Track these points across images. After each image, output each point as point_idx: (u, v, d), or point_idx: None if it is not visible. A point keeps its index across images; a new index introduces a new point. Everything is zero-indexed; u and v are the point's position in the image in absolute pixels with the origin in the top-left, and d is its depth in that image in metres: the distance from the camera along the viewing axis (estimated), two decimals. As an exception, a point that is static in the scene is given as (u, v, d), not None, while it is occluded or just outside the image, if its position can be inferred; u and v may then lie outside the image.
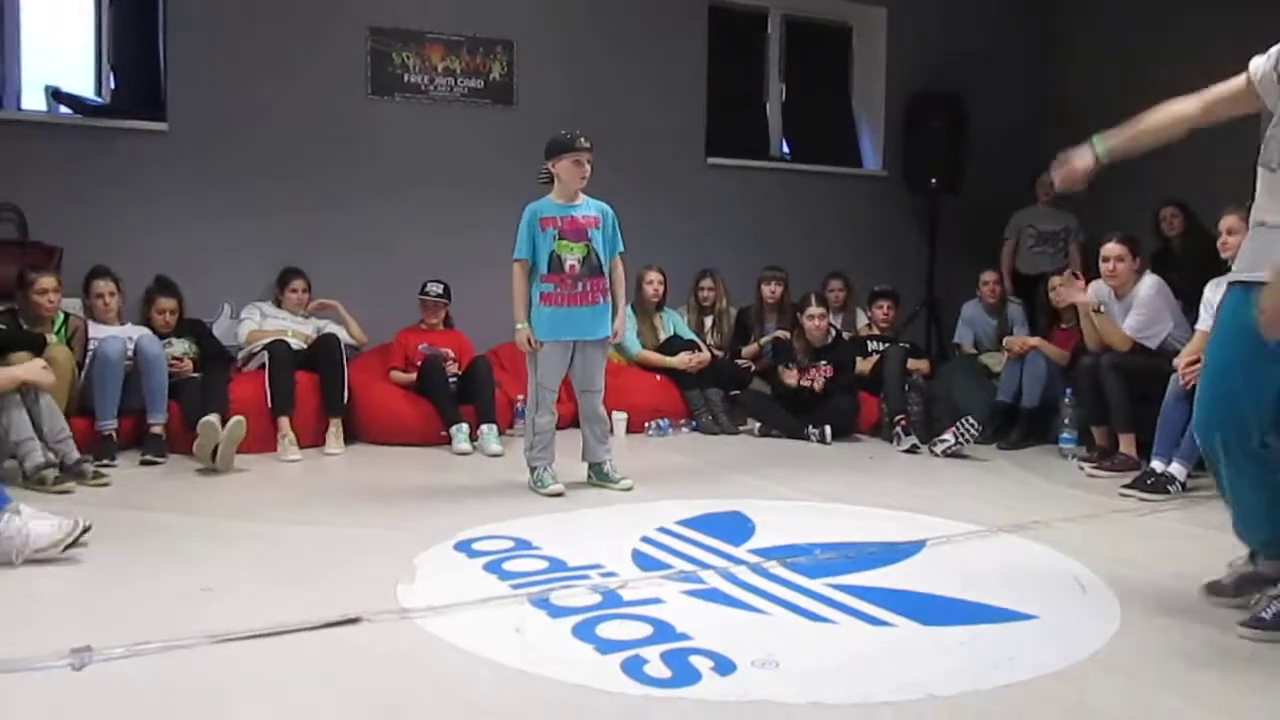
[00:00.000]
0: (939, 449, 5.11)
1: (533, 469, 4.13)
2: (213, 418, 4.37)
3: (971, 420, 5.09)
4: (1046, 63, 7.82)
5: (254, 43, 5.61)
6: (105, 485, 4.07)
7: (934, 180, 7.11)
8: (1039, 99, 7.84)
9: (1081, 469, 4.75)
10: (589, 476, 4.25)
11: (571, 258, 4.07)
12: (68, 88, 5.43)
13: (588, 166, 4.05)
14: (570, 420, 4.61)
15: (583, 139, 4.03)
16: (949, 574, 3.04)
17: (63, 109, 5.39)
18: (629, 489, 4.13)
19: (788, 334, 5.87)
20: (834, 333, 5.80)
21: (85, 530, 3.01)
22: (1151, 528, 3.71)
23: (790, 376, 5.63)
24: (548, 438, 4.14)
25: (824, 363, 5.67)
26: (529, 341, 4.07)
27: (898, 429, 5.38)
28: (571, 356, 4.13)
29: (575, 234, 4.08)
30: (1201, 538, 3.56)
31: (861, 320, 6.41)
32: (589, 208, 4.15)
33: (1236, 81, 2.50)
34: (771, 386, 5.83)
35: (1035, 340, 5.42)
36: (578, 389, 4.24)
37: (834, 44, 7.65)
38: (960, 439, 5.06)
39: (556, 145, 4.07)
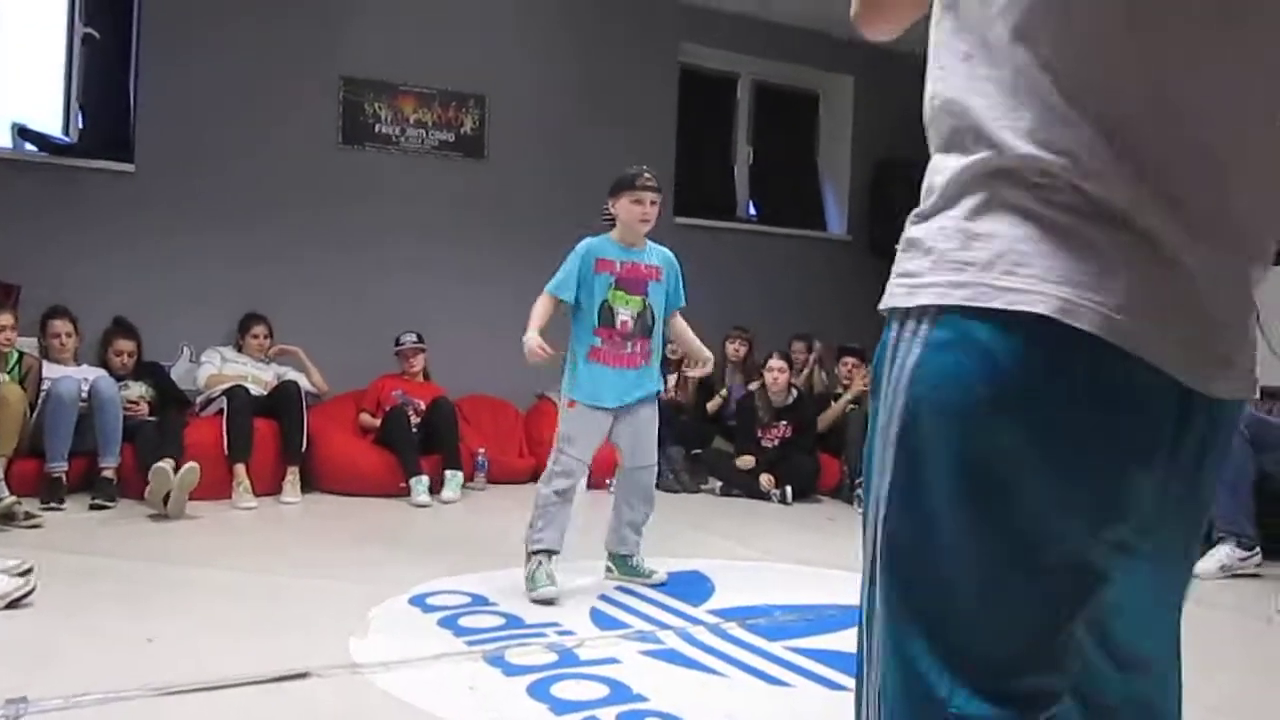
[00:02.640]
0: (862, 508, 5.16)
1: (530, 556, 3.35)
2: (165, 464, 4.29)
3: None
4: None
5: (226, 87, 5.60)
6: (37, 528, 3.96)
7: (898, 246, 7.20)
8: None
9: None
10: (608, 569, 3.61)
11: (625, 312, 3.47)
12: (35, 125, 5.39)
13: (650, 208, 3.46)
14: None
15: (646, 175, 3.47)
16: (907, 638, 3.03)
17: (28, 146, 5.35)
18: (662, 583, 3.55)
19: (752, 390, 5.88)
20: (795, 393, 5.83)
21: (32, 590, 2.93)
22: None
23: (745, 462, 5.64)
24: (556, 513, 3.37)
25: (784, 422, 5.70)
26: (540, 350, 3.32)
27: (859, 490, 5.41)
28: (613, 425, 3.48)
29: (634, 284, 3.50)
30: (1190, 611, 3.57)
31: (822, 382, 6.45)
32: (652, 255, 3.58)
33: None
34: (734, 446, 5.83)
35: None
36: (626, 464, 3.56)
37: (802, 110, 7.79)
38: None
39: (616, 182, 3.51)
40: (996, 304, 0.88)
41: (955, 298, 0.90)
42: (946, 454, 0.91)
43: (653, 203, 3.46)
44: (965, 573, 0.92)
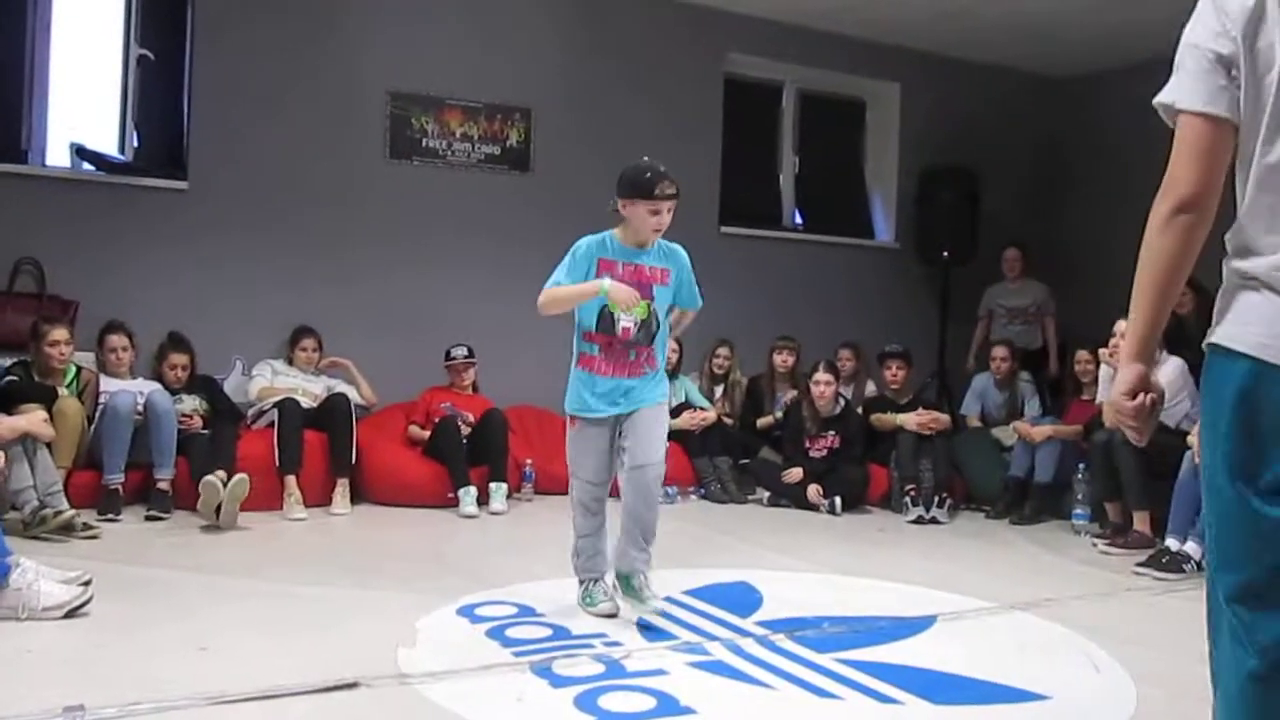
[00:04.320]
0: (910, 517, 5.26)
1: (580, 582, 3.31)
2: (214, 477, 4.35)
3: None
4: (1059, 137, 7.90)
5: (275, 105, 5.69)
6: (95, 539, 4.03)
7: (946, 252, 7.14)
8: (1051, 174, 7.91)
9: (1095, 546, 4.69)
10: (613, 584, 3.28)
11: (627, 319, 3.18)
12: (92, 145, 5.51)
13: (667, 216, 3.19)
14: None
15: (666, 182, 3.17)
16: (959, 651, 2.99)
17: (86, 166, 5.47)
18: (657, 612, 3.14)
19: (799, 400, 5.81)
20: (843, 403, 5.78)
21: (89, 600, 2.99)
22: (1166, 607, 3.65)
23: (793, 476, 5.58)
24: (592, 544, 3.27)
25: (832, 433, 5.65)
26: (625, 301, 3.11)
27: (906, 498, 5.35)
28: (617, 434, 3.22)
29: (637, 289, 3.20)
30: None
31: (871, 389, 6.38)
32: (658, 256, 3.28)
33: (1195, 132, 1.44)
34: (783, 457, 5.79)
35: (1048, 430, 5.38)
36: (629, 463, 3.17)
37: (848, 117, 7.74)
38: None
39: (631, 184, 3.20)
40: (1234, 345, 1.40)
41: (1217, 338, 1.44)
42: (1208, 432, 1.45)
43: (669, 210, 3.19)
44: (1211, 511, 1.46)
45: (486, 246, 6.15)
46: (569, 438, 3.26)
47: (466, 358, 5.67)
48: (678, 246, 3.34)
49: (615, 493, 3.27)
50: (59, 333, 4.59)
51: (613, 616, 3.16)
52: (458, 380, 5.67)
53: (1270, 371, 1.35)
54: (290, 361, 5.53)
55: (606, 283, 3.14)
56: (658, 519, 3.20)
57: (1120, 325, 4.89)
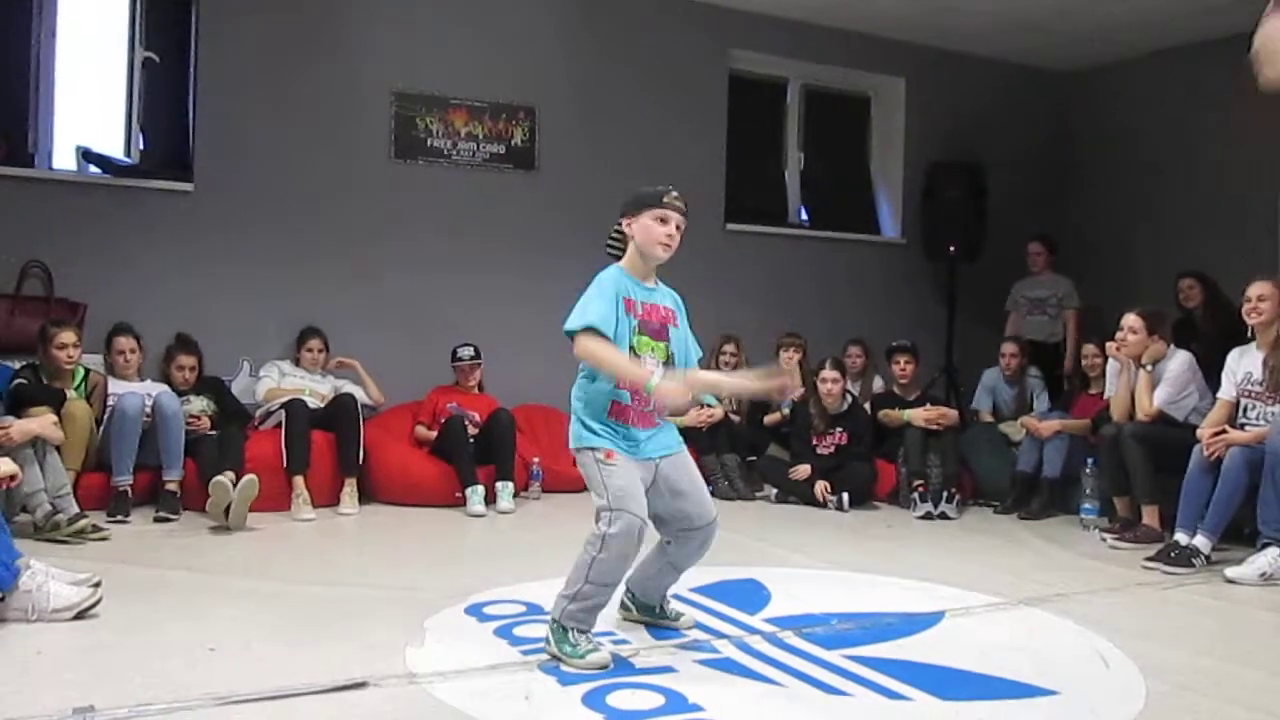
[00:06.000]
0: (919, 513, 5.25)
1: (564, 628, 2.73)
2: (224, 478, 4.36)
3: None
4: (1065, 132, 7.88)
5: (280, 106, 5.70)
6: (104, 540, 4.04)
7: (952, 248, 7.12)
8: (1058, 168, 7.89)
9: (1103, 540, 4.68)
10: (624, 606, 3.11)
11: (651, 362, 2.81)
12: (98, 148, 5.53)
13: (676, 232, 2.84)
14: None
15: (674, 195, 2.85)
16: (968, 647, 2.98)
17: (92, 168, 5.49)
18: (692, 625, 3.10)
19: (807, 397, 5.80)
20: (850, 399, 5.77)
21: (98, 601, 3.00)
22: (1176, 601, 3.63)
23: (800, 473, 5.57)
24: (605, 596, 2.77)
25: (839, 429, 5.64)
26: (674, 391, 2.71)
27: (914, 494, 5.35)
28: (653, 479, 2.83)
29: (656, 329, 2.85)
30: (1227, 612, 3.49)
31: (878, 385, 6.37)
32: (666, 296, 2.95)
33: None
34: (790, 453, 5.78)
35: (1055, 425, 5.36)
36: (695, 522, 2.89)
37: (853, 113, 7.73)
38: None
39: (636, 198, 2.86)
40: None
41: None
42: None
43: (678, 227, 2.85)
44: None
45: (492, 246, 6.16)
46: (609, 471, 2.72)
47: (473, 358, 5.69)
48: (675, 292, 3.03)
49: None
50: (67, 335, 4.61)
51: (606, 668, 2.67)
52: (464, 380, 5.69)
53: None
54: (297, 362, 5.55)
55: (656, 379, 2.72)
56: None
57: (1128, 319, 4.88)
